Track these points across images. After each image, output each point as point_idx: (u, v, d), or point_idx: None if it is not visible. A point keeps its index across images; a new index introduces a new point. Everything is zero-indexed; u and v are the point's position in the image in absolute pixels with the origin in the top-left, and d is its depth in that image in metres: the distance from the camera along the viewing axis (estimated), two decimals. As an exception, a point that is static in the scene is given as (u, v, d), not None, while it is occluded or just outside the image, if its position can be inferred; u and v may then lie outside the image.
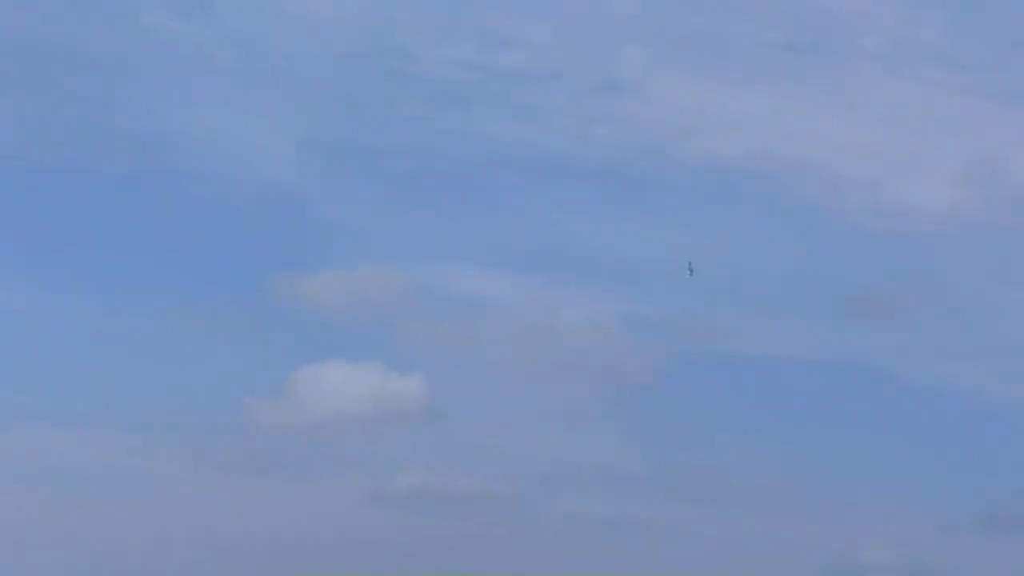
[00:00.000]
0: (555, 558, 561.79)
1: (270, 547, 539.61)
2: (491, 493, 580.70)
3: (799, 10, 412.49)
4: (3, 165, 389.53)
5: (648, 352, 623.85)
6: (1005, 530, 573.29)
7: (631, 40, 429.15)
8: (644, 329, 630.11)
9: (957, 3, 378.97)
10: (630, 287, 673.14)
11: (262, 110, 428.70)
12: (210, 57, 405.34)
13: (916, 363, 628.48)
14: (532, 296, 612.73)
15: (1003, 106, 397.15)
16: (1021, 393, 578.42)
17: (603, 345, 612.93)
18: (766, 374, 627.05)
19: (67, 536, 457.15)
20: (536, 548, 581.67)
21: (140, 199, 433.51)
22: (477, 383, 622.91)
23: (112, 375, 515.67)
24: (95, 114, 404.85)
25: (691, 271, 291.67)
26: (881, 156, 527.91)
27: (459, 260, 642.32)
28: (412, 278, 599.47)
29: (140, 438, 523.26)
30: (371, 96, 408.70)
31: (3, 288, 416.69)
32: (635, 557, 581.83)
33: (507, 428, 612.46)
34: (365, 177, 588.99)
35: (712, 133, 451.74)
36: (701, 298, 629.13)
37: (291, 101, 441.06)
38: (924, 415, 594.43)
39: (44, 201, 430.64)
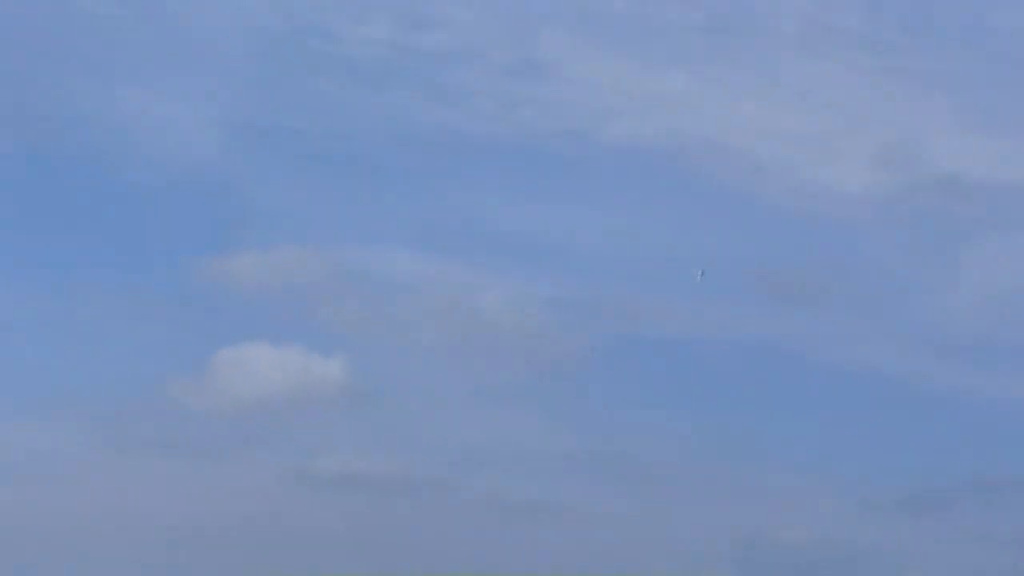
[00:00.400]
0: (478, 540, 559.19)
1: (191, 529, 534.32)
2: (414, 475, 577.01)
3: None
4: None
5: (570, 334, 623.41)
6: (922, 511, 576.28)
7: (552, 21, 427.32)
8: (566, 311, 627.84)
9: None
10: (552, 268, 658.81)
11: (181, 90, 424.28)
12: (128, 35, 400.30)
13: (833, 344, 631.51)
14: (454, 278, 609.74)
15: (922, 89, 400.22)
16: (937, 373, 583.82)
17: (526, 326, 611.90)
18: (686, 355, 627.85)
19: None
20: (459, 530, 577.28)
21: (57, 180, 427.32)
22: (400, 365, 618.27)
23: (27, 357, 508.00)
24: (9, 93, 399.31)
25: (702, 274, 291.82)
26: (800, 138, 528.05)
27: (381, 242, 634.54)
28: (334, 260, 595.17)
29: (57, 420, 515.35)
30: (290, 76, 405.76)
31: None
32: (557, 539, 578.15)
33: (430, 410, 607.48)
34: (285, 158, 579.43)
35: (633, 115, 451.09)
36: (622, 280, 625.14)
37: (210, 81, 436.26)
38: (841, 396, 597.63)
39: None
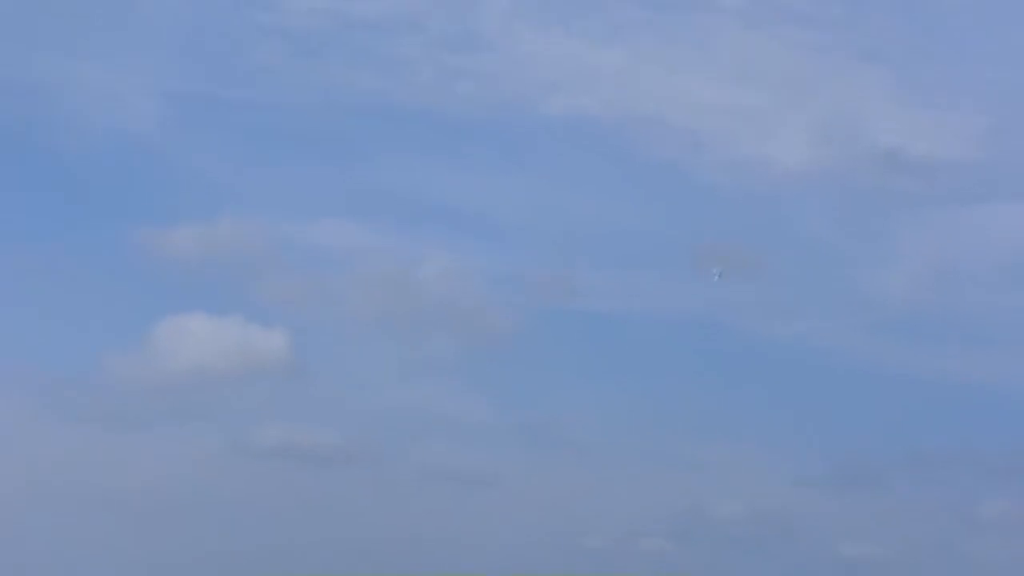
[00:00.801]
0: (414, 510, 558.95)
1: (130, 500, 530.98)
2: (351, 446, 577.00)
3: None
4: None
5: (506, 306, 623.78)
6: (855, 484, 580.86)
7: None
8: (502, 283, 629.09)
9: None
10: (489, 241, 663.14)
11: (120, 60, 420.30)
12: (66, 6, 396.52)
13: (768, 318, 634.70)
14: (392, 250, 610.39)
15: (860, 64, 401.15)
16: (872, 348, 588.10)
17: (462, 299, 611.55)
18: (621, 329, 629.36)
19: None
20: (395, 500, 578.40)
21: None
22: (337, 337, 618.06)
23: None
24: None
25: (719, 274, 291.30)
26: (739, 113, 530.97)
27: (320, 213, 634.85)
28: (273, 231, 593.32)
29: None
30: (229, 47, 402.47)
31: None
32: (492, 509, 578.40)
33: (367, 382, 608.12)
34: (224, 128, 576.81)
35: (572, 88, 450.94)
36: (558, 253, 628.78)
37: (149, 52, 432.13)
38: (776, 370, 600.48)
39: None
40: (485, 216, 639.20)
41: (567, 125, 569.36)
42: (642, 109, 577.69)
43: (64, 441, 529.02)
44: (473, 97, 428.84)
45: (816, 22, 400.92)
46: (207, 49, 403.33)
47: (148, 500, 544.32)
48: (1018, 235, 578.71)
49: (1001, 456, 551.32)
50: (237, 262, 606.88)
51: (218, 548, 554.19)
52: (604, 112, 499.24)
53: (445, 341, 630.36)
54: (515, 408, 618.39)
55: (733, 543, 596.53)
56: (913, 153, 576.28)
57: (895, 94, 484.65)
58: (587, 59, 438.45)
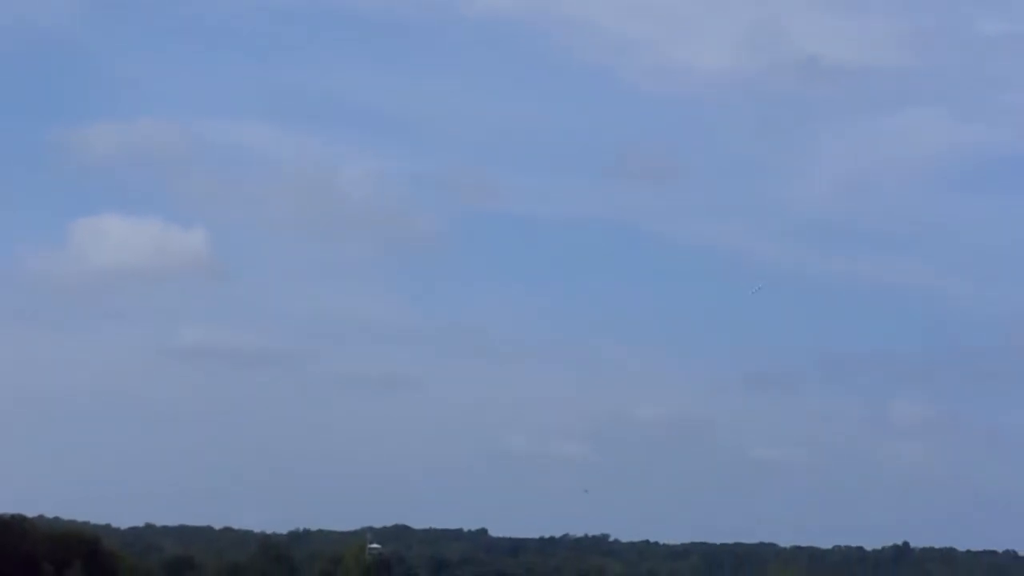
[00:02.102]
0: (335, 412, 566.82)
1: (49, 400, 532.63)
2: (272, 348, 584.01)
3: None
4: None
5: (427, 209, 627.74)
6: (770, 387, 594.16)
7: None
8: (423, 186, 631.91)
9: None
10: (411, 144, 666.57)
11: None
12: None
13: (688, 223, 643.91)
14: (313, 152, 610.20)
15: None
16: (787, 253, 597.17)
17: (383, 202, 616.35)
18: (542, 232, 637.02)
19: None
20: (316, 402, 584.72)
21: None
22: (258, 238, 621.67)
23: None
24: None
25: (757, 289, 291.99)
26: (663, 17, 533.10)
27: (240, 115, 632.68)
28: (191, 132, 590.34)
29: None
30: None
31: None
32: (411, 411, 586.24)
33: (288, 284, 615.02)
34: (143, 27, 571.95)
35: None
36: (480, 156, 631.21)
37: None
38: (694, 275, 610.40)
39: None
40: (407, 119, 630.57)
41: (491, 25, 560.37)
42: (564, 11, 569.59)
43: None
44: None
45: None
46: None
47: (68, 399, 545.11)
48: (934, 141, 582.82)
49: (912, 359, 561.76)
50: (155, 162, 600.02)
51: (138, 446, 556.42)
52: (529, 14, 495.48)
53: (366, 244, 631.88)
54: (436, 311, 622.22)
55: (650, 445, 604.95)
56: (834, 59, 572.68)
57: (819, 1, 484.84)
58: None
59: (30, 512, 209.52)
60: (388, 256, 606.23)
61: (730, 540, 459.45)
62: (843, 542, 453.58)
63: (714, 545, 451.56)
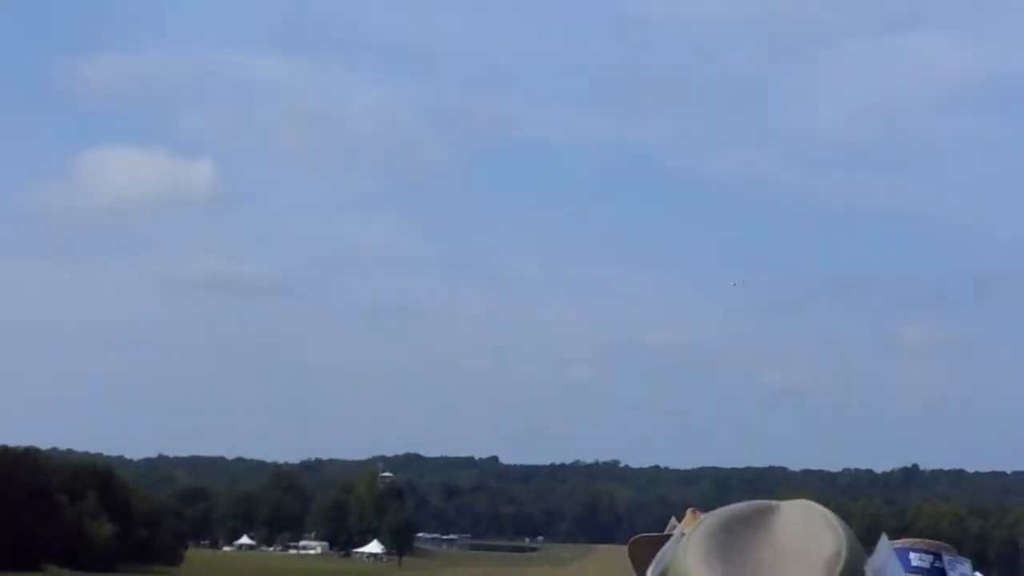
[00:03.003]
0: (344, 343, 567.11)
1: (55, 333, 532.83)
2: (280, 280, 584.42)
3: None
4: None
5: (436, 139, 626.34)
6: (780, 313, 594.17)
7: None
8: (433, 116, 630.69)
9: None
10: (420, 73, 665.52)
11: None
12: None
13: (698, 150, 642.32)
14: (321, 82, 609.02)
15: None
16: (798, 179, 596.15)
17: (392, 132, 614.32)
18: (551, 160, 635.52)
19: None
20: (324, 333, 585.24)
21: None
22: (267, 169, 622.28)
23: None
24: None
25: (739, 283, 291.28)
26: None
27: (247, 45, 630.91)
28: (198, 62, 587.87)
29: None
30: None
31: None
32: (422, 340, 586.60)
33: (297, 215, 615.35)
34: None
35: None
36: (491, 85, 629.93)
37: None
38: (704, 201, 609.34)
39: None
40: (416, 48, 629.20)
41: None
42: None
43: None
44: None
45: None
46: None
47: (78, 332, 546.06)
48: (948, 64, 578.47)
49: (922, 283, 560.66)
50: (162, 94, 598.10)
51: (149, 378, 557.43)
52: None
53: (376, 173, 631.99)
54: (446, 240, 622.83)
55: (661, 371, 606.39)
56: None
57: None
58: None
59: (43, 445, 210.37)
60: (398, 186, 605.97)
61: (740, 465, 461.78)
62: (853, 465, 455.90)
63: (724, 470, 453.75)
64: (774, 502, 1.91)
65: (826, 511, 1.89)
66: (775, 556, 1.78)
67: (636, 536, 6.04)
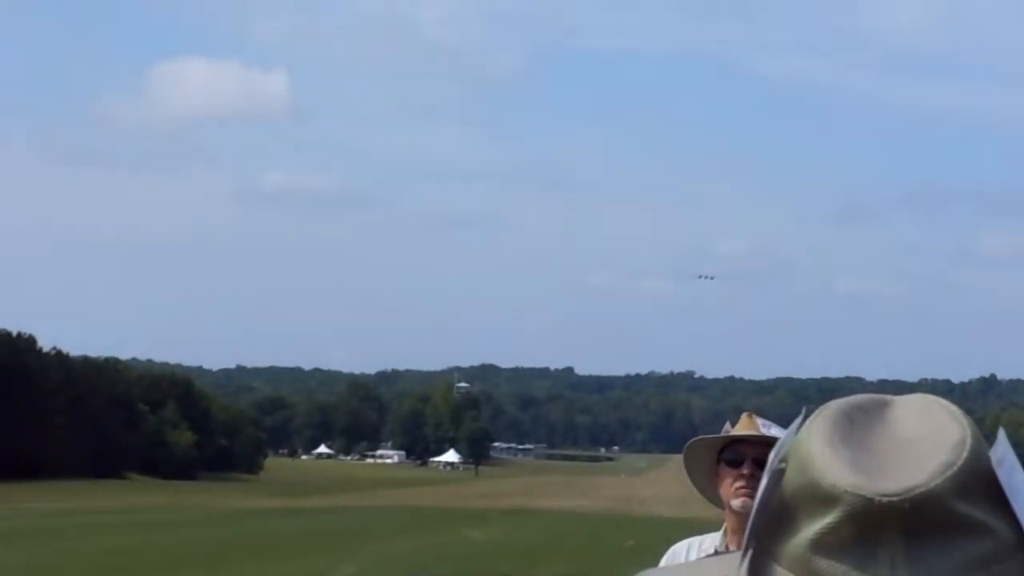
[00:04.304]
0: (415, 254, 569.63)
1: (130, 245, 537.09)
2: (353, 190, 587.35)
3: None
4: None
5: (507, 48, 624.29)
6: (856, 221, 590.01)
7: None
8: (504, 24, 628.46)
9: None
10: None
11: None
12: None
13: (771, 55, 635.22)
14: None
15: None
16: (874, 85, 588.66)
17: (463, 40, 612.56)
18: (623, 69, 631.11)
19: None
20: (397, 244, 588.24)
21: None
22: (339, 79, 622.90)
23: None
24: None
25: (705, 276, 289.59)
26: None
27: None
28: None
29: None
30: None
31: None
32: (493, 251, 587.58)
33: (369, 125, 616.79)
34: None
35: None
36: None
37: None
38: (778, 108, 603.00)
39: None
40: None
41: None
42: None
43: (59, 182, 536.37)
44: None
45: None
46: None
47: (154, 244, 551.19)
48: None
49: (1001, 191, 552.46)
50: (235, 4, 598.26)
51: (226, 290, 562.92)
52: None
53: (446, 82, 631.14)
54: (517, 149, 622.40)
55: (734, 280, 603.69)
56: None
57: None
58: None
59: (122, 355, 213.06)
60: (470, 95, 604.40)
61: (816, 375, 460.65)
62: (930, 375, 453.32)
63: (800, 380, 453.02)
64: (889, 396, 1.92)
65: (947, 402, 1.91)
66: (898, 443, 1.80)
67: (692, 440, 6.12)
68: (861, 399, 1.91)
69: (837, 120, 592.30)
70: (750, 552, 1.78)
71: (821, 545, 1.75)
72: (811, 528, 1.75)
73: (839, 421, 1.83)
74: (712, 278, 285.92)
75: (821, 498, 1.75)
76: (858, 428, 1.83)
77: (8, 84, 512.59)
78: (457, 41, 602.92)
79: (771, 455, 1.74)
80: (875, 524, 1.74)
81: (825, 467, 1.75)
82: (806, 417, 1.83)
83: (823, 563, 1.76)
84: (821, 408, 1.88)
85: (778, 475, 1.77)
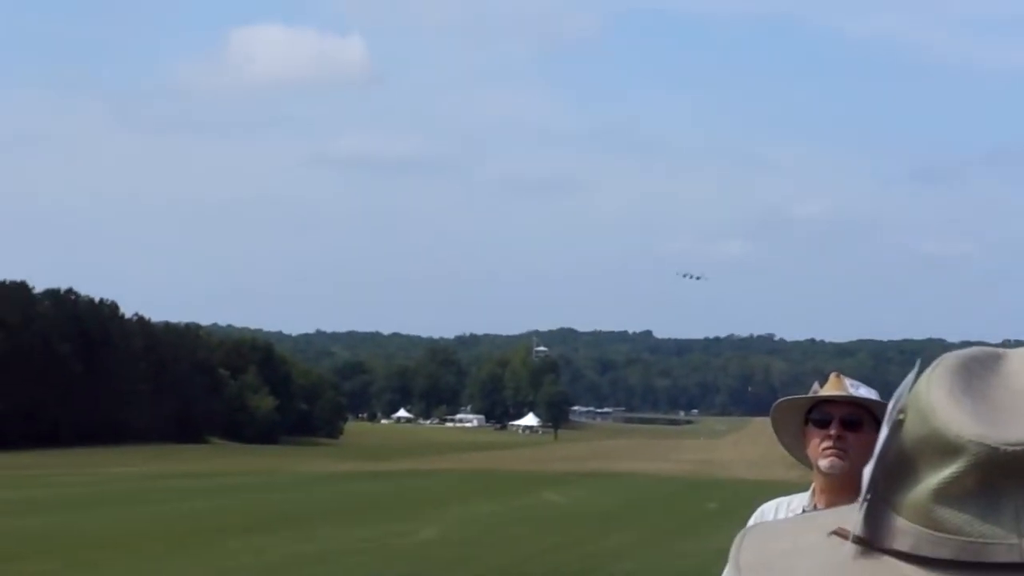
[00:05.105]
0: (493, 218, 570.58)
1: (207, 210, 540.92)
2: (430, 155, 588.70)
3: None
4: None
5: (584, 9, 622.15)
6: (936, 181, 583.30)
7: None
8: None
9: None
10: None
11: None
12: None
13: (852, 13, 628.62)
14: None
15: None
16: (956, 43, 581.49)
17: (539, 2, 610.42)
18: (699, 29, 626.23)
19: None
20: (474, 208, 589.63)
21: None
22: (415, 44, 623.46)
23: (28, 29, 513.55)
24: None
25: (691, 276, 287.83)
26: None
27: None
28: None
29: (63, 97, 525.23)
30: None
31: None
32: (569, 214, 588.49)
33: (446, 89, 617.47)
34: None
35: None
36: None
37: None
38: (857, 68, 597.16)
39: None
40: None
41: None
42: None
43: (138, 149, 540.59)
44: None
45: None
46: None
47: (233, 210, 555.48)
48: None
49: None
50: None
51: (304, 255, 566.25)
52: None
53: (523, 46, 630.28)
54: (593, 113, 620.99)
55: (812, 241, 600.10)
56: None
57: None
58: None
59: (204, 321, 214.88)
60: (544, 57, 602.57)
61: (897, 337, 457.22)
62: (1012, 335, 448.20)
63: (881, 342, 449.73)
64: (1002, 349, 1.94)
65: None
66: (1015, 394, 1.80)
67: (779, 400, 6.07)
68: (976, 351, 1.92)
69: (918, 79, 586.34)
70: (866, 502, 1.79)
71: (944, 495, 1.75)
72: (933, 478, 1.75)
73: (958, 372, 1.84)
74: (699, 278, 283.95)
75: (944, 448, 1.75)
76: (976, 379, 1.84)
77: (88, 53, 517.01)
78: (534, 3, 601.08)
79: (889, 406, 1.76)
80: (999, 474, 1.73)
81: (948, 417, 1.75)
82: (921, 369, 1.83)
83: (945, 512, 1.76)
84: (938, 360, 1.89)
85: (897, 426, 1.77)
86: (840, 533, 1.82)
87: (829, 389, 5.78)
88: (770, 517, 5.79)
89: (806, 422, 5.81)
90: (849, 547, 1.79)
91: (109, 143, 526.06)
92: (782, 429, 5.93)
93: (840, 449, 5.67)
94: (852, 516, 1.80)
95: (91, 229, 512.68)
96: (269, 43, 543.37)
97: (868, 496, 1.78)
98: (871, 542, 1.78)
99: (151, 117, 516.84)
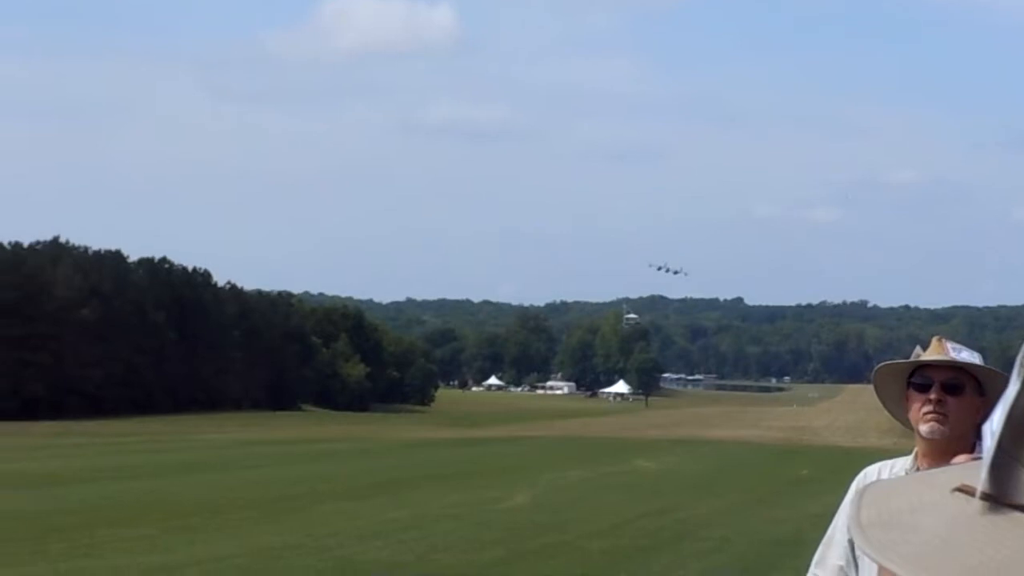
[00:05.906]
0: (578, 185, 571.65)
1: (296, 178, 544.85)
2: (521, 122, 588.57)
3: None
4: None
5: None
6: None
7: None
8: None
9: None
10: None
11: None
12: None
13: None
14: None
15: None
16: None
17: None
18: None
19: (73, 167, 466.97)
20: (559, 177, 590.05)
21: None
22: (503, 13, 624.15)
23: (121, 1, 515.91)
24: None
25: (669, 270, 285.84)
26: None
27: None
28: None
29: (154, 67, 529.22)
30: None
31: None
32: (657, 181, 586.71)
33: (533, 58, 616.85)
34: None
35: None
36: None
37: None
38: (950, 34, 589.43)
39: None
40: None
41: None
42: None
43: (227, 119, 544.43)
44: None
45: None
46: None
47: (323, 179, 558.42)
48: None
49: None
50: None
51: (394, 224, 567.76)
52: None
53: (611, 14, 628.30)
54: (681, 81, 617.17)
55: (904, 210, 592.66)
56: None
57: None
58: None
59: (296, 289, 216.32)
60: (631, 26, 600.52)
61: (993, 303, 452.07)
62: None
63: (976, 308, 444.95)
64: None
65: None
66: None
67: (879, 364, 5.99)
68: None
69: (1013, 44, 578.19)
70: (992, 459, 1.75)
71: None
72: None
73: None
74: (677, 272, 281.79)
75: None
76: None
77: (177, 24, 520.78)
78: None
79: (1016, 365, 1.78)
80: None
81: None
82: None
83: None
84: None
85: None
86: (965, 489, 1.78)
87: (931, 353, 5.70)
88: (873, 479, 5.73)
89: (908, 386, 5.74)
90: (976, 503, 1.75)
91: (201, 113, 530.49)
92: (884, 393, 5.87)
93: (940, 414, 5.61)
94: (973, 473, 1.77)
95: (184, 198, 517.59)
96: (359, 12, 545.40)
97: (996, 453, 1.74)
98: (998, 498, 1.73)
99: (241, 87, 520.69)
